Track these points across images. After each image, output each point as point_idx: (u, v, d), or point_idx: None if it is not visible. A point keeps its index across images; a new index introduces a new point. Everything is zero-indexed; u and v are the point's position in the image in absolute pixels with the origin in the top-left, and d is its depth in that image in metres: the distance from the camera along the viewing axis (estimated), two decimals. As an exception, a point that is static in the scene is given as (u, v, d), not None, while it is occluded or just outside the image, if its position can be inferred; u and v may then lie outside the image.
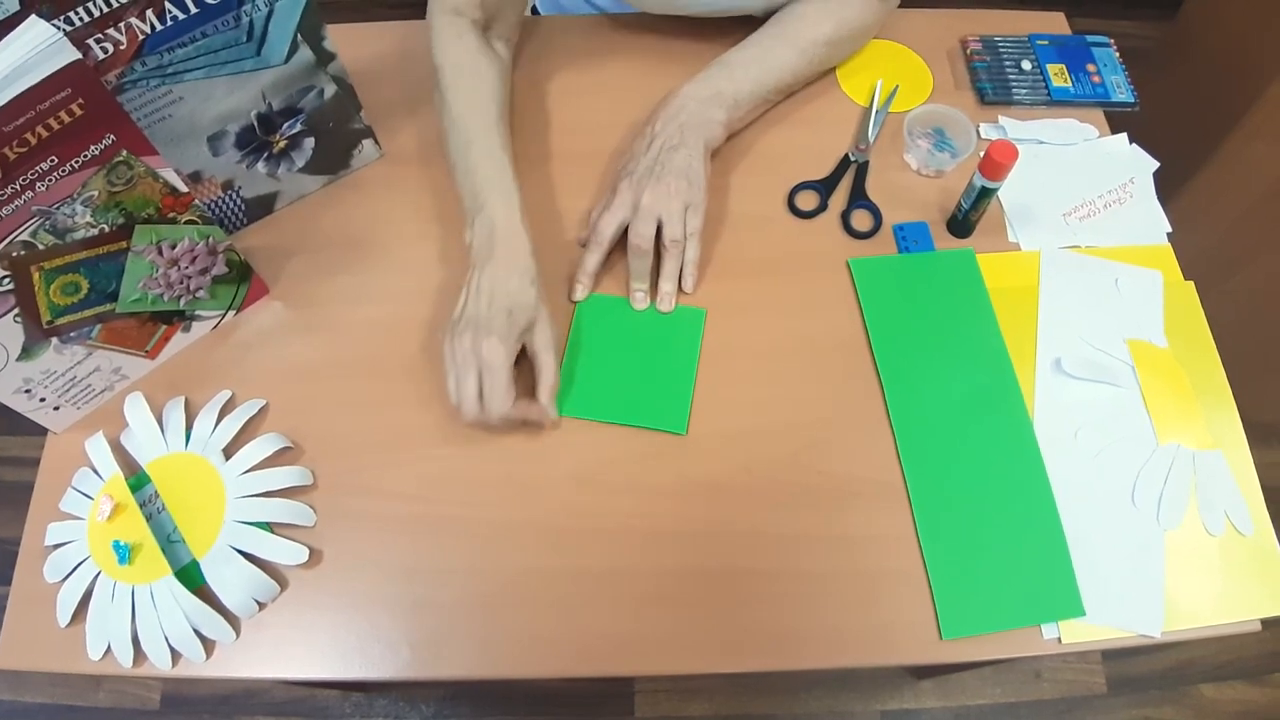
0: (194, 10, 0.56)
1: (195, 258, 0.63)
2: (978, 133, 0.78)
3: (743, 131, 0.78)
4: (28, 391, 0.60)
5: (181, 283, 0.63)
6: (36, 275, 0.55)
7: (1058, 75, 0.82)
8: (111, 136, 0.52)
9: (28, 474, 0.64)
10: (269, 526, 0.61)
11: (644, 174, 0.68)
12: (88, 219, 0.55)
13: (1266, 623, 0.60)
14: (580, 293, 0.70)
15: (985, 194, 0.69)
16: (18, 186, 0.50)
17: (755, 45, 0.76)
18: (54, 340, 0.59)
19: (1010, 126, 0.79)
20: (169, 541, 0.60)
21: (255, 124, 0.66)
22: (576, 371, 0.67)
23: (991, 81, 0.81)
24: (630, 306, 0.70)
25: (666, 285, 0.69)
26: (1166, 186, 0.77)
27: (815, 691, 1.25)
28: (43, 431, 0.65)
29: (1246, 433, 0.66)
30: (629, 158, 0.72)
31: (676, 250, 0.68)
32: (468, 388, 0.61)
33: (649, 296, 0.70)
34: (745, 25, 0.83)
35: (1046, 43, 0.84)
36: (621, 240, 0.69)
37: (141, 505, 0.60)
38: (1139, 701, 1.26)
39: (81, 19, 0.52)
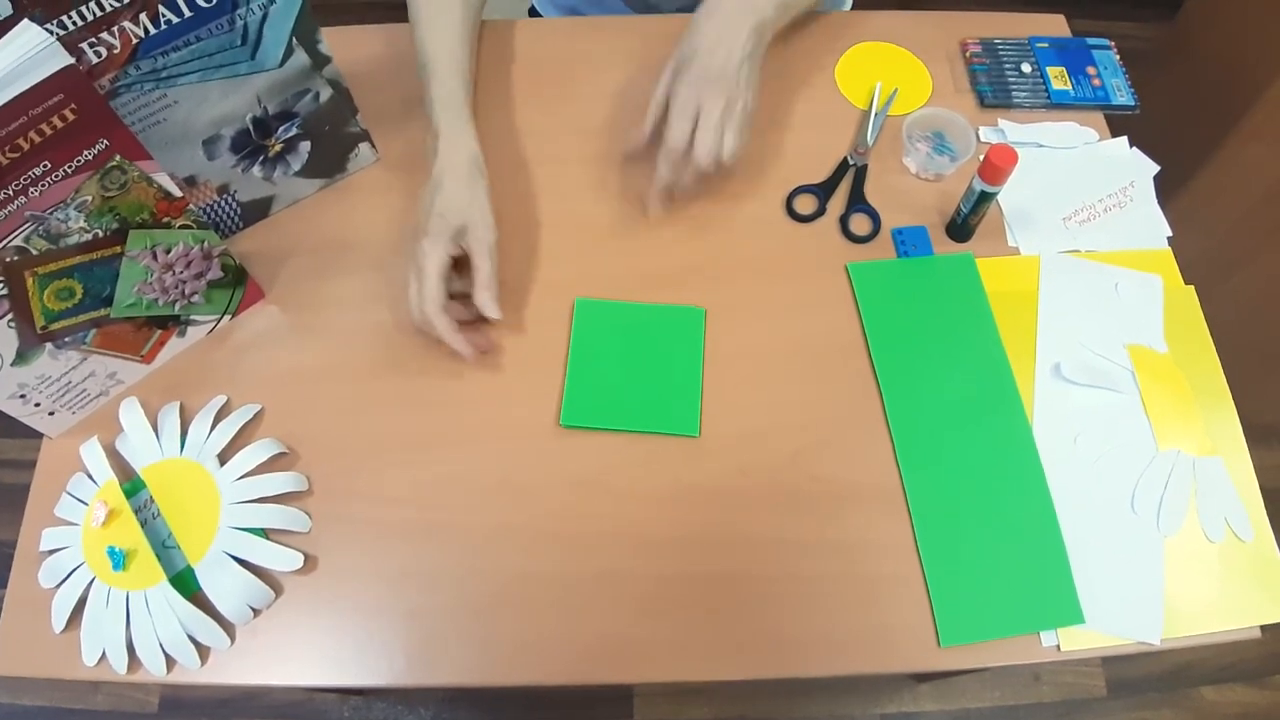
0: (188, 14, 0.56)
1: (190, 262, 0.62)
2: (977, 136, 0.78)
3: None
4: (23, 397, 0.60)
5: (176, 287, 0.63)
6: (30, 280, 0.55)
7: (1058, 78, 0.81)
8: (105, 141, 0.52)
9: (25, 476, 0.63)
10: (264, 532, 0.61)
11: (718, 78, 0.66)
12: (81, 224, 0.55)
13: (1266, 628, 0.60)
14: (656, 208, 0.71)
15: (984, 198, 0.68)
16: (10, 192, 0.50)
17: None
18: (48, 345, 0.59)
19: (1010, 130, 0.79)
20: (163, 547, 0.59)
21: (250, 128, 0.66)
22: (581, 381, 0.66)
23: (991, 84, 0.81)
24: (628, 313, 0.69)
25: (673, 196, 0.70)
26: (1166, 188, 0.77)
27: (815, 695, 1.25)
28: (40, 434, 0.65)
29: (1246, 434, 0.65)
30: (692, 52, 0.68)
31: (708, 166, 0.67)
32: (410, 290, 0.63)
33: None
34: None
35: (1046, 45, 0.84)
36: (617, 236, 0.69)
37: (136, 511, 0.60)
38: (1139, 704, 1.26)
39: (75, 23, 0.51)
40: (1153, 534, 0.62)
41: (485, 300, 0.63)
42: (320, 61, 0.65)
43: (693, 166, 0.67)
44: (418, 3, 0.73)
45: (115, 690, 1.24)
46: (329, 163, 0.74)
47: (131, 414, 0.64)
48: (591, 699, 1.24)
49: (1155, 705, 1.26)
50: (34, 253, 0.54)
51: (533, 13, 1.03)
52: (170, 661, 0.57)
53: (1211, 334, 0.70)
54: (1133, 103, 0.80)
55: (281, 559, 0.59)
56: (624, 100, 0.80)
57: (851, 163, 0.77)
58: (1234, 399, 0.67)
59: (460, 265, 0.65)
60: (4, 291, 0.54)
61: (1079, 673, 1.28)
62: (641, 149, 0.71)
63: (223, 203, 0.70)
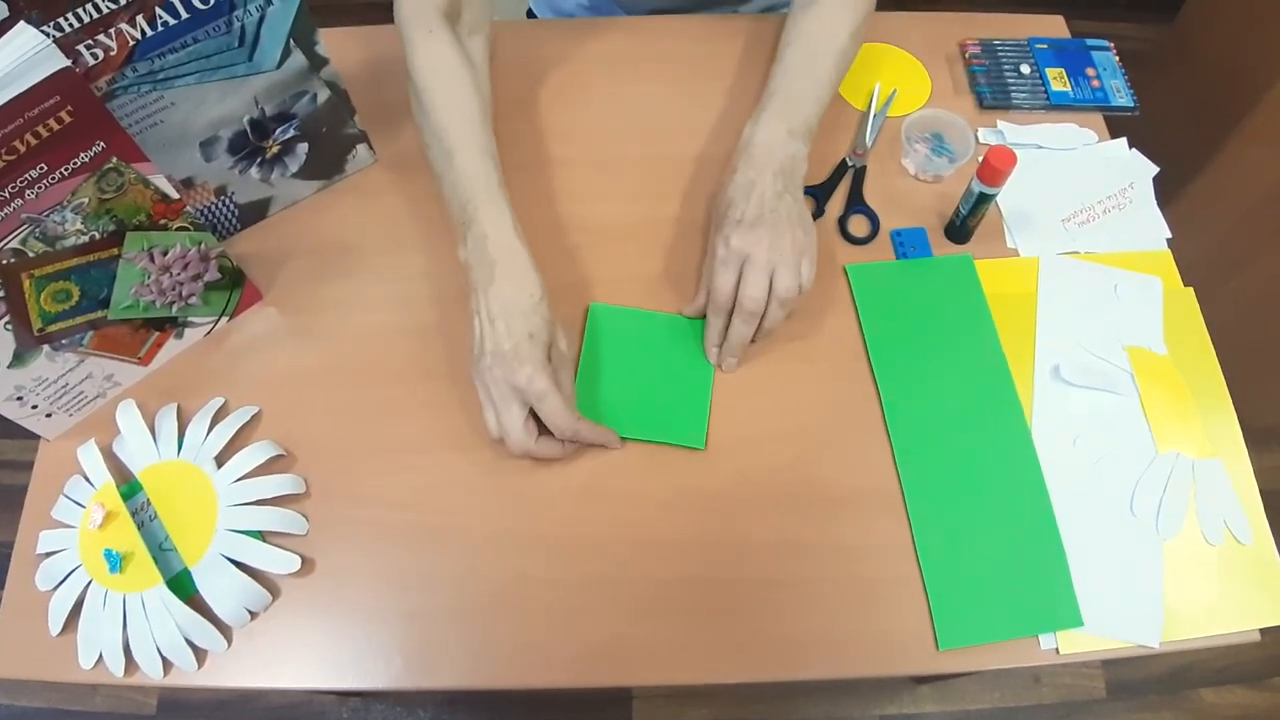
0: (185, 15, 0.56)
1: (187, 264, 0.62)
2: (976, 137, 0.78)
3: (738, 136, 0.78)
4: (19, 399, 0.60)
5: (174, 289, 0.63)
6: (27, 282, 0.55)
7: (1057, 79, 0.81)
8: (101, 144, 0.51)
9: (23, 477, 0.63)
10: (261, 535, 0.60)
11: (754, 222, 0.63)
12: (78, 226, 0.54)
13: (1265, 631, 0.60)
14: (728, 362, 0.66)
15: (983, 200, 0.68)
16: (7, 194, 0.49)
17: (797, 67, 0.72)
18: (45, 347, 0.59)
19: (1009, 131, 0.79)
20: (160, 550, 0.59)
21: (248, 129, 0.66)
22: (590, 389, 0.66)
23: (990, 86, 0.81)
24: (641, 321, 0.68)
25: (738, 351, 0.66)
26: (1165, 190, 0.77)
27: (815, 697, 1.25)
28: (37, 435, 0.64)
29: (1246, 437, 0.65)
30: (727, 205, 0.66)
31: (775, 309, 0.64)
32: (511, 419, 0.59)
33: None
34: (733, 21, 0.83)
35: (1046, 46, 0.84)
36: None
37: (133, 513, 0.60)
38: (1138, 706, 1.26)
39: (71, 25, 0.51)
40: (1152, 537, 0.62)
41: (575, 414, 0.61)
42: (318, 63, 0.65)
43: (742, 314, 0.63)
44: (423, 78, 0.67)
45: (114, 692, 1.24)
46: (327, 164, 0.74)
47: (129, 416, 0.64)
48: (591, 702, 1.24)
49: (1155, 707, 1.26)
50: (31, 255, 0.54)
51: (529, 16, 1.03)
52: (167, 664, 0.57)
53: (1211, 336, 0.70)
54: (1132, 104, 0.80)
55: (278, 561, 0.59)
56: (622, 102, 0.80)
57: (850, 164, 0.77)
58: (1233, 401, 0.67)
59: None
60: (1, 294, 0.54)
61: (1079, 674, 1.27)
62: (703, 310, 0.67)
63: (220, 204, 0.70)
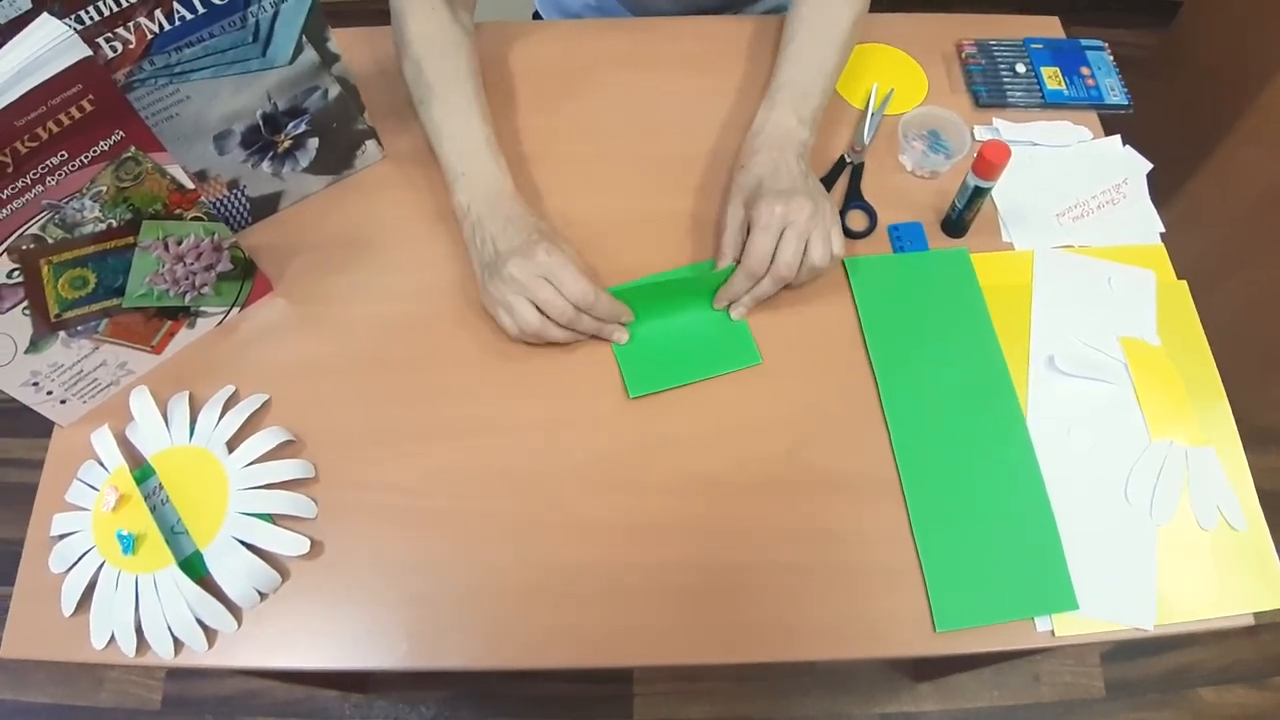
0: (201, 10, 0.57)
1: (201, 254, 0.64)
2: (972, 135, 0.79)
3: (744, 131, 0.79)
4: (35, 384, 0.61)
5: (187, 279, 0.64)
6: (45, 269, 0.56)
7: (1052, 78, 0.83)
8: (120, 132, 0.53)
9: (31, 475, 0.64)
10: (271, 518, 0.62)
11: (792, 193, 0.66)
12: (96, 214, 0.56)
13: (1264, 624, 0.60)
14: (739, 311, 0.70)
15: (979, 193, 0.70)
16: (28, 180, 0.51)
17: (803, 58, 0.75)
18: (61, 334, 0.60)
19: (1004, 129, 0.80)
20: (172, 532, 0.60)
21: (260, 124, 0.67)
22: (637, 358, 0.68)
23: (986, 84, 0.82)
24: (656, 287, 0.69)
25: (749, 302, 0.70)
26: (1160, 192, 0.78)
27: (814, 694, 1.25)
28: (46, 434, 0.66)
29: (1243, 437, 0.66)
30: (758, 181, 0.69)
31: (806, 275, 0.68)
32: (527, 313, 0.64)
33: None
34: (738, 22, 0.84)
35: (1041, 46, 0.85)
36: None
37: (146, 497, 0.61)
38: (1138, 705, 1.26)
39: (91, 18, 0.53)
40: (1146, 522, 0.63)
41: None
42: (329, 59, 0.67)
43: (775, 278, 0.67)
44: (419, 46, 0.72)
45: (119, 687, 1.25)
46: (336, 159, 0.75)
47: (142, 402, 0.65)
48: (591, 698, 1.25)
49: (1154, 706, 1.26)
50: (50, 241, 0.55)
51: (536, 17, 1.04)
52: (178, 644, 0.58)
53: (1207, 336, 0.70)
54: (1126, 102, 0.82)
55: (288, 544, 0.61)
56: (627, 100, 0.82)
57: (848, 160, 0.78)
58: (1230, 401, 0.68)
59: None
60: (19, 279, 0.55)
61: (1078, 673, 1.28)
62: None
63: (232, 198, 0.71)
